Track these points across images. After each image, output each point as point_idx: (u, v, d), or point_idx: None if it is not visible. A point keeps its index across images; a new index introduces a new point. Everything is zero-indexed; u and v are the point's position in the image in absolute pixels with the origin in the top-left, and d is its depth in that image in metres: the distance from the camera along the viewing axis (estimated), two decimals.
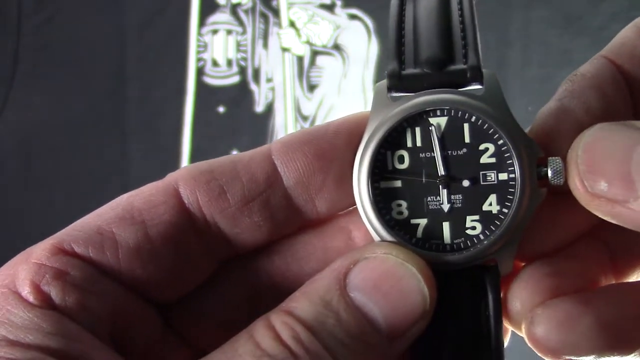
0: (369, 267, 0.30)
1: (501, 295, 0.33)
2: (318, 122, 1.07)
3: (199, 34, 1.08)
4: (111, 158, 1.05)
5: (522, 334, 0.33)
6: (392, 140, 0.32)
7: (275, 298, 0.31)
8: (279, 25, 1.08)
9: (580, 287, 0.33)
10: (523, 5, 1.01)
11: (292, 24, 1.08)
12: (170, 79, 1.06)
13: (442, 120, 0.32)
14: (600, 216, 0.30)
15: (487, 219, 0.32)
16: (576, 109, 0.33)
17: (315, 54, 1.07)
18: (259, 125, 1.05)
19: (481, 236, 0.32)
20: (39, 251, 0.30)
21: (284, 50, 1.07)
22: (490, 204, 0.32)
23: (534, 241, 0.34)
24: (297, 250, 0.35)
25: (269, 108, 1.06)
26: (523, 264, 0.34)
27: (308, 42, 1.07)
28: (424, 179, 0.32)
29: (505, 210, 0.32)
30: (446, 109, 0.32)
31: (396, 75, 0.33)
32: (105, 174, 1.04)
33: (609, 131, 0.29)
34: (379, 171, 0.32)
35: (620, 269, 0.35)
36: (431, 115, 0.32)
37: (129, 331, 0.31)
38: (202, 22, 1.08)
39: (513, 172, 0.32)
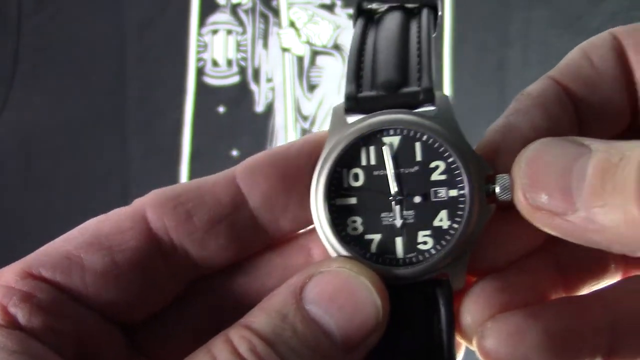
0: (324, 280, 0.31)
1: (453, 309, 0.34)
2: (318, 122, 1.07)
3: (199, 34, 1.08)
4: (111, 158, 1.05)
5: (474, 347, 0.34)
6: (347, 159, 0.34)
7: (240, 316, 0.31)
8: (279, 25, 1.08)
9: (530, 301, 0.34)
10: (523, 5, 1.01)
11: (292, 24, 1.08)
12: (170, 79, 1.06)
13: (395, 140, 0.33)
14: (541, 228, 0.31)
15: (438, 234, 0.33)
16: (521, 125, 0.34)
17: (315, 54, 1.07)
18: (259, 125, 1.05)
19: (432, 251, 0.33)
20: (8, 275, 0.31)
21: (284, 50, 1.07)
22: (441, 220, 0.33)
23: (485, 257, 0.35)
24: (259, 269, 0.36)
25: (269, 108, 1.06)
26: (475, 279, 0.35)
27: (308, 42, 1.07)
28: (377, 196, 0.33)
29: (456, 226, 0.33)
30: (399, 128, 0.33)
31: (353, 97, 0.34)
32: (105, 174, 1.04)
33: (550, 145, 0.30)
34: (335, 189, 0.34)
35: (570, 283, 0.36)
36: (384, 134, 0.33)
37: (94, 353, 0.32)
38: (202, 22, 1.08)
39: (463, 188, 0.33)
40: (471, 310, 0.34)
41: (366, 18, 0.37)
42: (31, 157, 1.06)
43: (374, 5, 0.37)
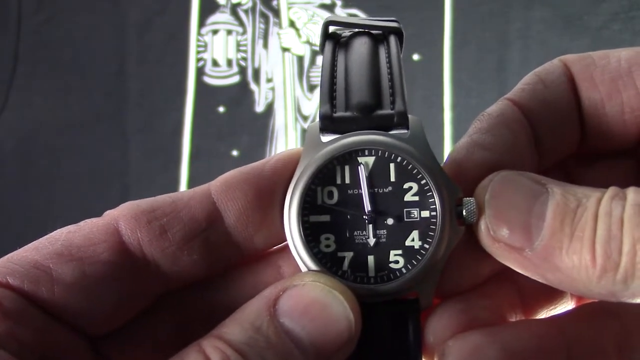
0: (297, 294, 0.31)
1: (421, 327, 0.35)
2: None
3: (199, 34, 1.08)
4: (111, 158, 1.05)
5: None
6: (322, 177, 0.34)
7: (208, 331, 0.31)
8: (279, 25, 1.08)
9: (490, 322, 0.36)
10: (523, 5, 1.01)
11: (292, 24, 1.08)
12: (170, 79, 1.06)
13: (370, 160, 0.34)
14: (498, 259, 0.32)
15: (409, 253, 0.34)
16: (485, 143, 0.35)
17: (315, 53, 1.07)
18: (259, 125, 1.05)
19: (403, 270, 0.34)
20: None
21: (284, 50, 1.07)
22: (413, 240, 0.34)
23: (450, 279, 0.36)
24: (229, 285, 0.37)
25: (269, 108, 1.06)
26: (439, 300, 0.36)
27: (308, 42, 1.07)
28: (351, 214, 0.34)
29: (426, 246, 0.34)
30: (374, 149, 0.34)
31: (328, 117, 0.35)
32: (105, 174, 1.04)
33: (512, 181, 0.32)
34: (309, 206, 0.34)
35: (529, 307, 0.38)
36: (360, 154, 0.34)
37: None
38: (202, 22, 1.08)
39: (434, 210, 0.34)
40: (434, 329, 0.35)
41: (334, 41, 0.38)
42: (31, 157, 1.06)
43: (339, 30, 0.38)
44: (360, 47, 0.37)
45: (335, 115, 0.35)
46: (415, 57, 1.03)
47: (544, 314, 0.39)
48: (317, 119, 0.35)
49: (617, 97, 0.36)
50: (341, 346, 0.31)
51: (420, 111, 1.01)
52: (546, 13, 1.00)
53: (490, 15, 1.02)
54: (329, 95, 0.35)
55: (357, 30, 0.38)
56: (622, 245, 0.28)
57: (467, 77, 1.02)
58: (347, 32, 0.38)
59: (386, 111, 0.35)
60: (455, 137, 1.00)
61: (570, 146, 0.38)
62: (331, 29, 0.38)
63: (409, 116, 0.35)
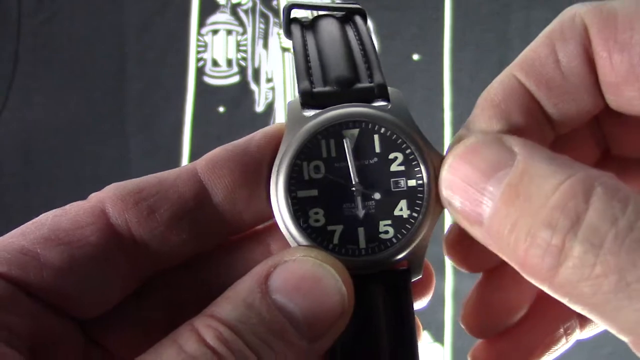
0: (289, 269, 0.31)
1: (412, 297, 0.35)
2: None
3: (199, 34, 1.08)
4: (111, 158, 1.05)
5: None
6: (307, 152, 0.34)
7: (199, 309, 0.31)
8: (279, 25, 1.08)
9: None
10: (523, 5, 1.01)
11: None
12: (170, 79, 1.06)
13: (355, 132, 0.34)
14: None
15: (398, 223, 0.34)
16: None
17: None
18: (259, 125, 1.05)
19: (394, 239, 0.34)
20: None
21: (284, 50, 1.07)
22: (401, 209, 0.34)
23: (494, 318, 0.37)
24: (219, 265, 0.36)
25: (269, 108, 1.06)
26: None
27: None
28: (339, 187, 0.34)
29: (415, 215, 0.34)
30: (357, 121, 0.34)
31: (308, 92, 0.35)
32: (105, 174, 1.04)
33: (478, 149, 0.31)
34: (296, 181, 0.34)
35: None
36: (344, 127, 0.34)
37: (49, 347, 0.32)
38: (202, 22, 1.08)
39: (421, 178, 0.34)
40: None
41: (299, 24, 0.38)
42: (31, 157, 1.06)
43: (302, 14, 0.39)
44: (328, 26, 0.38)
45: (314, 90, 0.35)
46: (415, 57, 1.03)
47: None
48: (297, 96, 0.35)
49: (634, 84, 0.33)
50: (335, 320, 0.31)
51: (420, 111, 1.01)
52: (546, 13, 1.00)
53: (490, 15, 1.02)
54: (306, 72, 0.35)
55: (319, 13, 0.38)
56: (569, 260, 0.25)
57: (467, 77, 1.02)
58: (310, 17, 0.39)
59: (365, 84, 0.35)
60: None
61: (592, 112, 0.35)
62: (293, 13, 0.38)
63: (389, 88, 0.35)
